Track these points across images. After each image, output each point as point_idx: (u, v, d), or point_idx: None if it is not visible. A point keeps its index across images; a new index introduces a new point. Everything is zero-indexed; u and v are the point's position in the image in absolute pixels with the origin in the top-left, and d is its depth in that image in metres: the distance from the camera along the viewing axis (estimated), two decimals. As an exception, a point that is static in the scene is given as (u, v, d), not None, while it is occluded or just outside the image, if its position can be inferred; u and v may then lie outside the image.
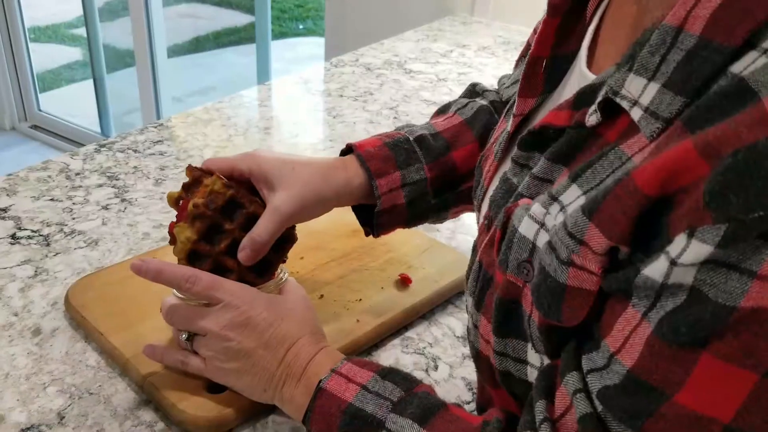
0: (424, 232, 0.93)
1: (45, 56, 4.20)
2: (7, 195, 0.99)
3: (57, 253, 0.87)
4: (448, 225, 0.97)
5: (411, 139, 0.72)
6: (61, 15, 4.58)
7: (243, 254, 0.64)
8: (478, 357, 0.54)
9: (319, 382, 0.56)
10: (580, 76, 0.50)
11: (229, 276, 0.65)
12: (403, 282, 0.81)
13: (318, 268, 0.83)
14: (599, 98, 0.42)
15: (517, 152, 0.50)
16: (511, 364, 0.50)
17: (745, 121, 0.32)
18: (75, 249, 0.88)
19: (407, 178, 0.70)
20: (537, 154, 0.48)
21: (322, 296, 0.78)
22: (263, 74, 3.31)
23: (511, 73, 0.78)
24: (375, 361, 0.73)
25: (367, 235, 0.75)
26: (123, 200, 0.99)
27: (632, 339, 0.37)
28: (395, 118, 1.31)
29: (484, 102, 0.77)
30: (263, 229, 0.64)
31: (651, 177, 0.35)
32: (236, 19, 4.87)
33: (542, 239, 0.44)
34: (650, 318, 0.36)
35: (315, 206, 0.68)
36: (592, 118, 0.43)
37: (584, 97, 0.45)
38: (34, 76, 3.56)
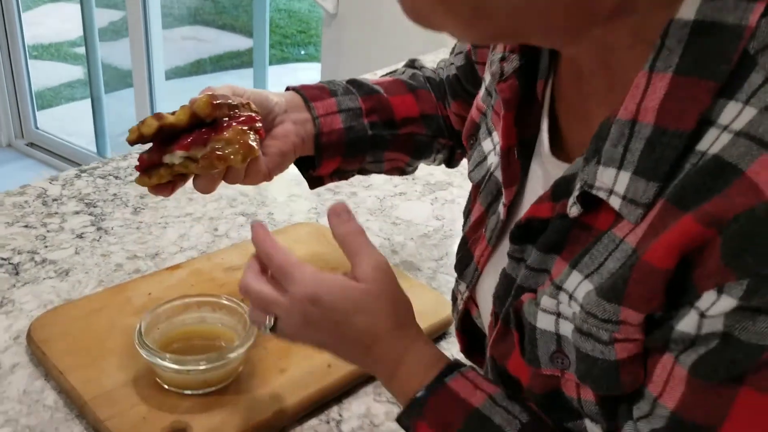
0: (404, 271, 0.91)
1: (46, 74, 4.21)
2: (-19, 220, 0.97)
3: (25, 283, 0.85)
4: (429, 264, 0.95)
5: (344, 82, 0.77)
6: (64, 33, 4.60)
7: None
8: None
9: (444, 377, 0.52)
10: (542, 163, 0.52)
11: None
12: (380, 324, 0.78)
13: (293, 307, 0.80)
14: (576, 192, 0.44)
15: (511, 247, 0.51)
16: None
17: (737, 192, 0.35)
18: (44, 279, 0.86)
19: (342, 104, 0.73)
20: (529, 246, 0.49)
21: (294, 337, 0.75)
22: (261, 98, 3.31)
23: (448, 57, 0.80)
24: (345, 409, 0.71)
25: (311, 187, 0.76)
26: (99, 228, 0.97)
27: (671, 382, 0.39)
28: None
29: (420, 73, 0.81)
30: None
31: (665, 255, 0.38)
32: (238, 42, 4.89)
33: (564, 327, 0.45)
34: (683, 361, 0.39)
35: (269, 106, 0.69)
36: (573, 209, 0.44)
37: (560, 189, 0.46)
38: (33, 93, 3.56)
